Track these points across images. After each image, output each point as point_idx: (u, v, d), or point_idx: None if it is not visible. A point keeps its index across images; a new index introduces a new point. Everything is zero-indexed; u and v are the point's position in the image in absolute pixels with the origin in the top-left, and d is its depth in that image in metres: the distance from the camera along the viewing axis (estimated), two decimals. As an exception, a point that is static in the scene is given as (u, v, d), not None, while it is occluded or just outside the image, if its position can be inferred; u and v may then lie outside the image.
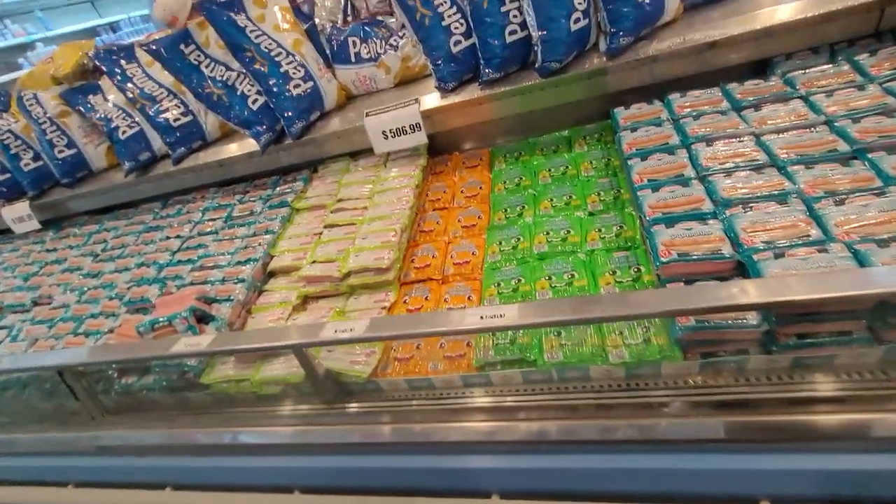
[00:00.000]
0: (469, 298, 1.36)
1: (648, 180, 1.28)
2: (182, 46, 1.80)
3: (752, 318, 0.92)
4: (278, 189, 2.02)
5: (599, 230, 1.36)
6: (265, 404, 1.31)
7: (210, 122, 2.08)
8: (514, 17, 1.53)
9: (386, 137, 1.78)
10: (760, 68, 1.61)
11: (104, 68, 2.00)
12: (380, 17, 1.97)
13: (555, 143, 1.82)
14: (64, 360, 1.21)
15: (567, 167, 1.65)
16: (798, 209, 1.05)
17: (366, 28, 1.92)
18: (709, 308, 0.77)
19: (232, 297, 1.51)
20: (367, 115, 1.78)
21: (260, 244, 1.73)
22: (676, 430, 0.91)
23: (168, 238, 2.00)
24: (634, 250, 1.27)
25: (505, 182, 1.71)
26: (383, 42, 1.91)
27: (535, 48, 1.53)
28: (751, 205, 1.10)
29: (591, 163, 1.62)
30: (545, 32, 1.47)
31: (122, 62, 2.04)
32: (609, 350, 1.04)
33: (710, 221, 1.11)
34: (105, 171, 2.32)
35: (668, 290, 0.98)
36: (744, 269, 1.01)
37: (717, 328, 0.94)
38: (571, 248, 1.35)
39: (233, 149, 2.05)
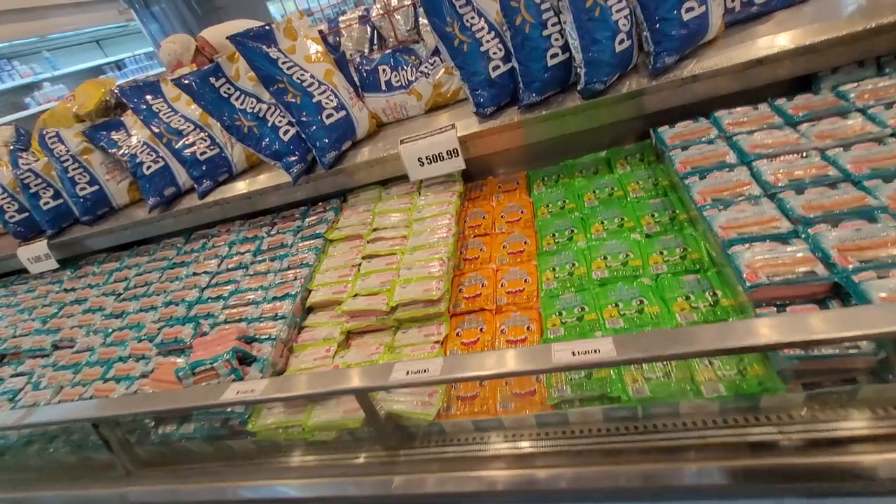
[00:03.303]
0: (528, 329, 1.28)
1: (713, 199, 1.23)
2: (212, 80, 1.77)
3: (867, 345, 0.85)
4: (308, 220, 1.97)
5: (661, 253, 1.31)
6: (316, 452, 1.22)
7: (236, 154, 2.05)
8: (556, 40, 1.51)
9: (422, 164, 1.74)
10: (803, 83, 1.59)
11: (130, 104, 1.97)
12: (409, 45, 1.97)
13: (593, 165, 1.78)
14: (107, 412, 1.12)
15: (612, 188, 1.60)
16: (890, 225, 0.99)
17: (396, 56, 1.91)
18: (853, 337, 0.70)
19: (273, 336, 1.43)
20: (402, 142, 1.74)
21: (296, 278, 1.66)
22: (795, 472, 0.83)
23: (195, 274, 1.93)
24: (704, 273, 1.21)
25: (548, 206, 1.66)
26: (414, 69, 1.89)
27: (578, 70, 1.51)
28: (835, 222, 1.05)
29: (637, 183, 1.58)
30: (589, 54, 1.45)
31: (148, 97, 2.02)
32: (701, 383, 0.97)
33: (793, 241, 1.05)
34: (126, 208, 2.27)
35: (790, 317, 0.90)
36: (839, 290, 0.95)
37: (828, 357, 0.87)
38: (634, 273, 1.29)
39: (260, 181, 2.01)
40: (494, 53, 1.59)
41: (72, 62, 7.46)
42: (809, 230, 1.05)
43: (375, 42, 2.11)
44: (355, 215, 1.89)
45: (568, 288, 1.34)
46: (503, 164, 2.01)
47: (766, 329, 0.74)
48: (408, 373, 0.93)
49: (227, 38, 1.66)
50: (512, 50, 1.54)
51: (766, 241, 1.07)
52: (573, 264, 1.39)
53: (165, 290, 1.92)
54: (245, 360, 1.36)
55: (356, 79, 1.94)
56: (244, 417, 1.24)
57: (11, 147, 2.16)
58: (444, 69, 1.85)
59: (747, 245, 1.07)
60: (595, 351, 0.83)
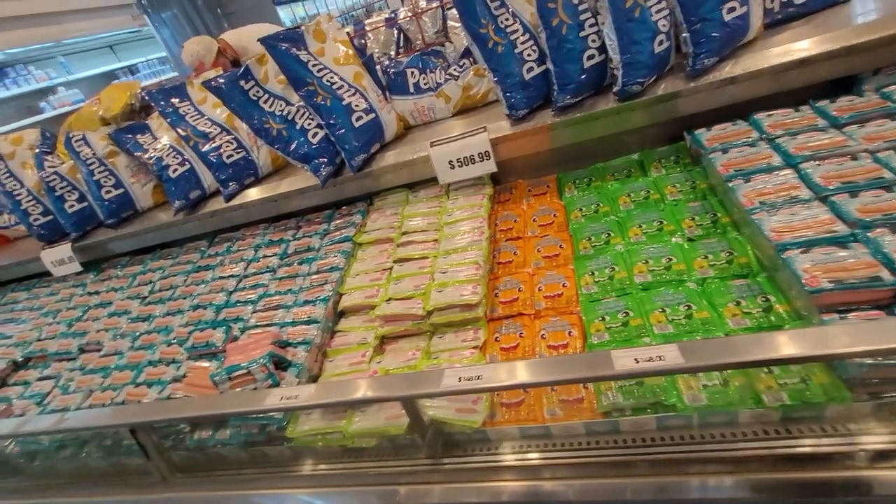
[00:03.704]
0: (570, 334, 1.26)
1: (760, 202, 1.21)
2: (242, 83, 1.77)
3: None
4: (335, 223, 1.95)
5: (706, 257, 1.28)
6: (355, 459, 1.20)
7: (262, 157, 2.04)
8: (593, 41, 1.49)
9: (452, 167, 1.73)
10: (841, 85, 1.56)
11: (157, 107, 1.97)
12: (436, 48, 1.95)
13: (626, 168, 1.76)
14: (150, 417, 1.10)
15: (648, 192, 1.58)
16: (955, 229, 0.96)
17: (424, 58, 1.90)
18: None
19: (308, 340, 1.41)
20: (432, 144, 1.73)
21: (326, 282, 1.64)
22: (882, 487, 0.80)
23: (221, 277, 1.92)
24: (754, 278, 1.18)
25: (581, 209, 1.64)
26: (442, 72, 1.88)
27: (615, 72, 1.49)
28: (895, 226, 1.02)
29: (674, 186, 1.55)
30: (628, 56, 1.43)
31: (174, 99, 2.02)
32: (762, 391, 0.94)
33: (852, 245, 1.02)
34: (150, 211, 2.27)
35: (870, 324, 0.87)
36: (903, 296, 0.92)
37: (900, 365, 0.84)
38: (678, 277, 1.26)
39: (286, 184, 2.00)
40: (529, 55, 1.57)
41: (86, 67, 7.53)
42: (868, 234, 1.02)
43: (401, 45, 2.10)
44: (383, 218, 1.88)
45: (609, 292, 1.31)
46: (531, 167, 1.98)
47: (846, 337, 0.72)
48: (460, 379, 0.91)
49: (259, 40, 1.66)
50: (547, 51, 1.53)
51: (822, 245, 1.04)
52: (613, 268, 1.36)
53: (192, 293, 1.91)
54: (280, 364, 1.34)
55: (383, 81, 1.93)
56: (282, 423, 1.22)
57: (37, 150, 2.17)
58: (473, 71, 1.84)
59: (803, 249, 1.05)
60: (659, 358, 0.81)
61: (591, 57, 1.51)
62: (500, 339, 1.33)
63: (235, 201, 2.05)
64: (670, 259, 1.31)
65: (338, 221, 1.95)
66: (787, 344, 0.73)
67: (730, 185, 1.31)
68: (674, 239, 1.37)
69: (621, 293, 1.29)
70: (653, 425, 1.01)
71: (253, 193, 2.03)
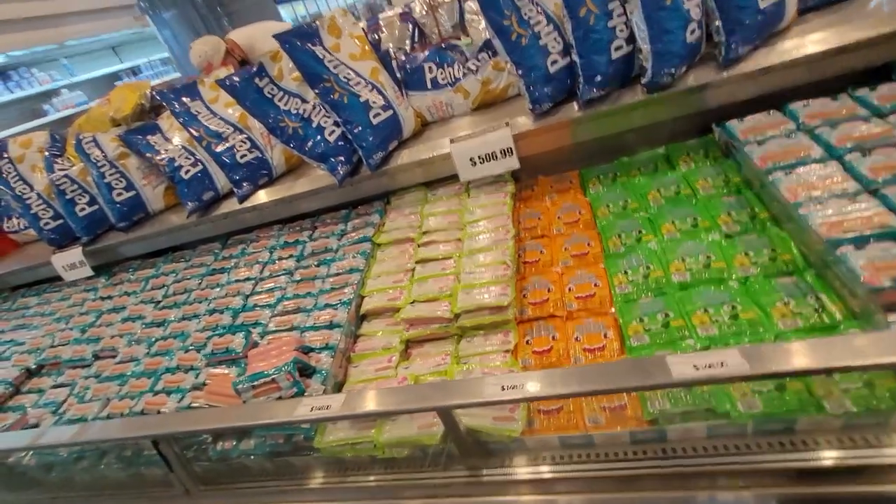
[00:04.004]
0: (606, 336, 1.21)
1: (806, 197, 1.15)
2: (256, 80, 1.72)
3: None
4: (352, 223, 1.91)
5: (747, 254, 1.23)
6: (386, 470, 1.15)
7: (276, 156, 2.00)
8: (621, 31, 1.44)
9: (474, 164, 1.68)
10: (878, 73, 1.50)
11: (169, 107, 1.92)
12: (453, 42, 1.90)
13: (651, 162, 1.70)
14: (175, 428, 1.06)
15: (679, 186, 1.52)
16: None
17: (441, 53, 1.85)
18: None
19: (331, 345, 1.37)
20: (452, 141, 1.68)
21: (346, 284, 1.60)
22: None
23: (237, 281, 1.88)
24: (801, 275, 1.13)
25: (608, 206, 1.59)
26: (460, 66, 1.83)
27: (644, 63, 1.44)
28: (958, 219, 0.96)
29: (706, 180, 1.50)
30: (658, 45, 1.38)
31: (185, 99, 1.97)
32: (822, 397, 0.89)
33: (911, 240, 0.97)
34: (161, 213, 2.22)
35: None
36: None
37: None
38: (719, 276, 1.21)
39: (301, 184, 1.96)
40: (553, 47, 1.52)
41: (89, 69, 7.49)
42: (928, 228, 0.97)
43: (416, 39, 2.05)
44: (401, 218, 1.83)
45: (645, 292, 1.26)
46: (552, 162, 1.92)
47: (931, 340, 0.66)
48: (503, 388, 0.87)
49: (273, 36, 1.61)
50: (573, 43, 1.47)
51: (879, 240, 0.99)
52: (647, 267, 1.31)
53: (207, 297, 1.87)
54: (304, 371, 1.29)
55: (399, 76, 1.88)
56: (310, 433, 1.18)
57: (47, 153, 2.13)
58: (492, 65, 1.79)
59: (858, 245, 0.99)
60: (721, 364, 0.76)
61: (618, 48, 1.45)
62: (532, 342, 1.28)
63: (249, 202, 2.00)
64: (709, 256, 1.26)
65: (355, 221, 1.91)
66: (869, 348, 0.68)
67: (769, 178, 1.25)
68: (710, 235, 1.32)
69: (658, 293, 1.24)
70: (703, 433, 0.96)
71: (267, 194, 1.99)
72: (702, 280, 1.22)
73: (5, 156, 2.19)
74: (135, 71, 8.13)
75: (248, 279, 1.86)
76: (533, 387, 0.84)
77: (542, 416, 1.09)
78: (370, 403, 0.95)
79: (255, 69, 1.72)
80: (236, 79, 1.71)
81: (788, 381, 0.93)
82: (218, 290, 1.88)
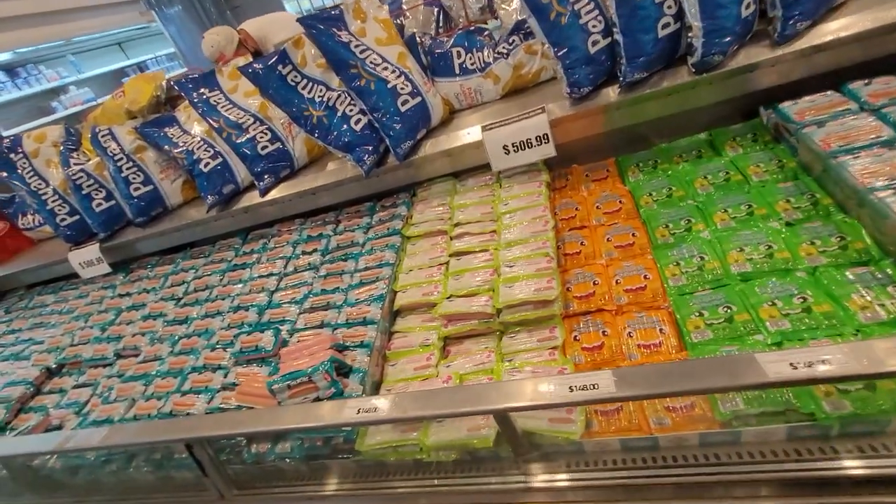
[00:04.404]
0: (662, 332, 1.14)
1: (882, 182, 1.07)
2: (279, 68, 1.65)
3: None
4: (377, 216, 1.84)
5: (812, 242, 1.15)
6: (431, 474, 1.09)
7: (298, 148, 1.93)
8: (669, 7, 1.35)
9: (507, 152, 1.60)
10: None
11: (188, 97, 1.86)
12: (481, 26, 1.82)
13: (694, 148, 1.62)
14: (214, 431, 1.00)
15: (728, 173, 1.44)
16: None
17: (470, 37, 1.77)
18: None
19: (367, 343, 1.30)
20: (484, 128, 1.60)
21: (377, 279, 1.53)
22: None
23: (260, 276, 1.82)
24: (877, 264, 1.05)
25: (651, 194, 1.51)
26: (490, 51, 1.75)
27: (693, 41, 1.35)
28: None
29: (758, 166, 1.41)
30: (711, 22, 1.29)
31: (204, 89, 1.91)
32: (919, 396, 0.82)
33: None
34: (180, 208, 2.17)
35: None
36: None
37: None
38: (784, 266, 1.13)
39: (323, 176, 1.89)
40: (594, 27, 1.44)
41: (96, 65, 7.45)
42: None
43: (441, 24, 1.97)
44: (430, 210, 1.76)
45: (701, 284, 1.19)
46: (585, 150, 1.84)
47: None
48: (571, 388, 0.80)
49: (298, 20, 1.54)
50: (616, 21, 1.39)
51: (972, 226, 0.91)
52: (702, 257, 1.24)
53: (230, 293, 1.81)
54: (340, 370, 1.23)
55: (426, 62, 1.80)
56: (351, 435, 1.12)
57: (62, 147, 2.07)
58: (524, 49, 1.70)
59: (948, 231, 0.91)
60: (822, 362, 0.68)
61: (666, 25, 1.37)
62: (580, 338, 1.21)
63: (270, 195, 1.94)
64: (770, 246, 1.18)
65: (380, 214, 1.84)
66: None
67: (834, 161, 1.17)
68: (770, 223, 1.24)
69: (716, 285, 1.17)
70: (782, 436, 0.89)
71: (289, 187, 1.92)
72: (765, 271, 1.14)
73: (20, 150, 2.14)
74: (141, 67, 8.08)
75: (271, 275, 1.80)
76: (607, 387, 0.77)
77: (600, 416, 1.02)
78: (422, 406, 0.89)
79: (277, 55, 1.65)
80: (258, 66, 1.64)
81: (880, 381, 0.85)
82: (241, 286, 1.82)
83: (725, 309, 1.09)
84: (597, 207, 1.56)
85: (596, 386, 0.79)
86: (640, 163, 1.66)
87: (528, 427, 1.00)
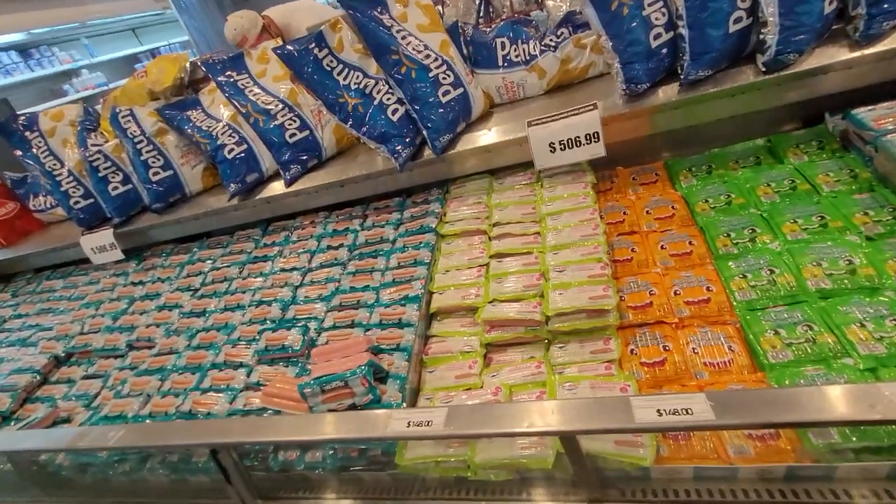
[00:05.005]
0: (731, 349, 1.05)
1: (984, 195, 0.98)
2: (315, 50, 1.56)
3: None
4: (409, 212, 1.75)
5: (900, 260, 1.05)
6: (478, 496, 1.00)
7: (326, 137, 1.84)
8: (743, 1, 1.26)
9: (553, 150, 1.51)
10: None
11: (215, 80, 1.77)
12: (527, 17, 1.73)
13: (752, 154, 1.53)
14: (249, 437, 0.91)
15: (793, 181, 1.35)
16: None
17: (516, 27, 1.68)
18: None
19: (405, 347, 1.21)
20: (529, 124, 1.51)
21: (412, 278, 1.44)
22: None
23: (283, 270, 1.73)
24: (979, 287, 0.95)
25: (707, 201, 1.42)
26: (536, 43, 1.66)
27: (766, 38, 1.26)
28: None
29: (828, 175, 1.32)
30: (790, 18, 1.20)
31: (231, 72, 1.82)
32: None
33: None
34: (198, 195, 2.08)
35: None
36: None
37: None
38: (869, 284, 1.04)
39: (352, 168, 1.80)
40: (657, 19, 1.35)
41: (109, 50, 7.39)
42: None
43: (482, 13, 1.88)
44: (465, 208, 1.67)
45: (775, 300, 1.09)
46: (631, 152, 1.75)
47: None
48: (660, 412, 0.70)
49: (338, 1, 1.45)
50: (683, 13, 1.30)
51: None
52: (772, 271, 1.14)
53: (250, 287, 1.72)
54: (377, 375, 1.14)
55: (467, 52, 1.71)
56: (391, 448, 1.03)
57: (79, 127, 1.99)
58: (573, 42, 1.61)
59: None
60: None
61: (738, 20, 1.28)
62: (638, 351, 1.12)
63: (294, 186, 1.85)
64: (850, 261, 1.09)
65: (412, 210, 1.75)
66: None
67: (923, 173, 1.08)
68: (848, 237, 1.14)
69: (793, 301, 1.07)
70: (883, 474, 0.80)
71: (316, 177, 1.84)
72: (848, 289, 1.05)
73: (35, 129, 2.06)
74: (154, 54, 8.01)
75: (294, 269, 1.71)
76: (703, 413, 0.68)
77: (670, 441, 0.93)
78: (482, 422, 0.80)
79: (313, 37, 1.56)
80: (293, 47, 1.56)
81: None
82: (262, 279, 1.73)
83: (805, 328, 1.00)
84: (647, 213, 1.47)
85: (690, 411, 0.69)
86: (693, 167, 1.57)
87: (590, 449, 0.91)
